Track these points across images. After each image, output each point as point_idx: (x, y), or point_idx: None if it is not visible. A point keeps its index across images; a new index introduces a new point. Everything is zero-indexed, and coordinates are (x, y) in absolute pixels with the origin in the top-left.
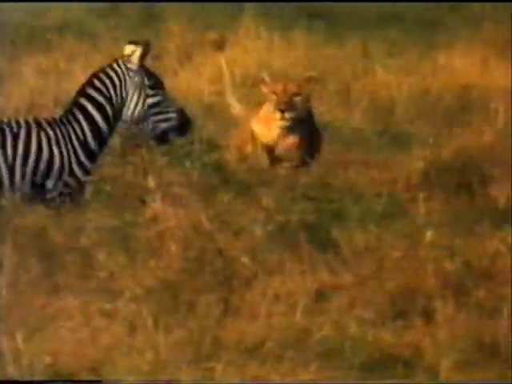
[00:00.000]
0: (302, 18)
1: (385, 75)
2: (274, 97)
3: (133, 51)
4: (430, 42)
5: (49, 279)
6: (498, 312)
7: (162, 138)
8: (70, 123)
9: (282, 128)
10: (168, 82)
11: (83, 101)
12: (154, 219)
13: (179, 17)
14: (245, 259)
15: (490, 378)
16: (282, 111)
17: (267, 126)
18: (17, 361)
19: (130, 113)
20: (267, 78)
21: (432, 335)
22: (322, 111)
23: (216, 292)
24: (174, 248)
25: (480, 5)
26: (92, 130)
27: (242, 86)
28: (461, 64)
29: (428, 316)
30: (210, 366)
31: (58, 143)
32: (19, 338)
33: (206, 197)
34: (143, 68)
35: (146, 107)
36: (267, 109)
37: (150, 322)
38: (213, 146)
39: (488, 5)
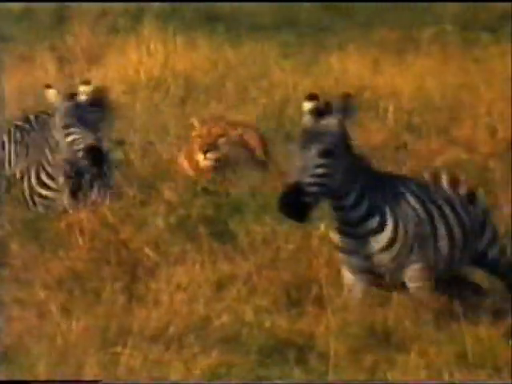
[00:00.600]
0: (203, 22)
1: (280, 76)
2: (198, 139)
3: None
4: (323, 44)
5: None
6: (389, 300)
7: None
8: None
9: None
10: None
11: None
12: (64, 212)
13: (86, 18)
14: (148, 250)
15: (380, 363)
16: (205, 152)
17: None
18: None
19: None
20: (195, 123)
21: (324, 322)
22: (221, 109)
23: (121, 281)
24: (81, 240)
25: (372, 8)
26: None
27: (145, 88)
28: (353, 66)
29: (321, 304)
30: (115, 350)
31: None
32: None
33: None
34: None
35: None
36: (194, 149)
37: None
38: (119, 143)
39: (380, 8)
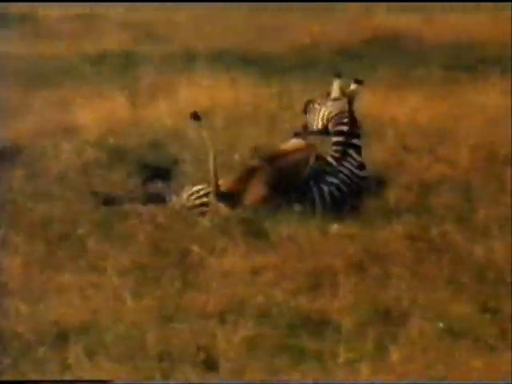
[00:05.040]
0: (241, 64)
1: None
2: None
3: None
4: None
5: None
6: (389, 284)
7: None
8: None
9: None
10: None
11: None
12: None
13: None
14: (196, 247)
15: (383, 335)
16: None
17: None
18: (28, 321)
19: None
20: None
21: (337, 303)
22: (255, 136)
23: (176, 270)
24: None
25: (377, 52)
26: None
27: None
28: (362, 99)
29: (334, 288)
30: (172, 325)
31: None
32: (30, 305)
33: None
34: None
35: None
36: None
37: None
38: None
39: (382, 53)
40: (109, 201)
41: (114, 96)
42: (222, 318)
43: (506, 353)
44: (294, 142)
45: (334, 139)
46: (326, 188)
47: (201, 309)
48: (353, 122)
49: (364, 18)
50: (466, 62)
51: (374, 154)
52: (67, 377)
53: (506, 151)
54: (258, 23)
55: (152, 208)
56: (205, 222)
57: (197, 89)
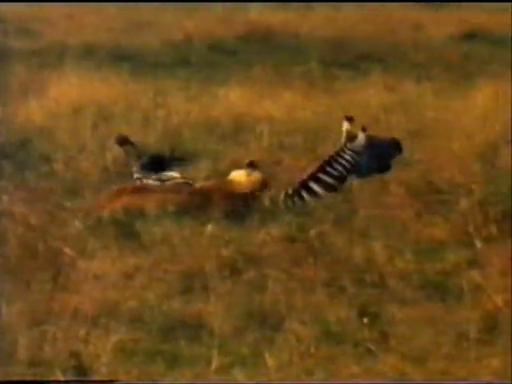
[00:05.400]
0: (113, 60)
1: (176, 105)
2: None
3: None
4: (211, 79)
5: None
6: (265, 287)
7: None
8: None
9: None
10: None
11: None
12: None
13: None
14: (67, 249)
15: (259, 340)
16: None
17: None
18: None
19: None
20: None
21: (211, 306)
22: (129, 133)
23: (47, 272)
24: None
25: (252, 49)
26: None
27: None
28: (235, 97)
29: (207, 291)
30: (43, 328)
31: None
32: None
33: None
34: None
35: None
36: None
37: None
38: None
39: (258, 48)
40: None
41: None
42: (94, 322)
43: (386, 357)
44: (247, 175)
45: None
46: None
47: (73, 313)
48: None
49: (239, 13)
50: (346, 59)
51: (250, 152)
52: None
53: None
54: (131, 18)
55: (23, 208)
56: (77, 223)
57: (68, 85)
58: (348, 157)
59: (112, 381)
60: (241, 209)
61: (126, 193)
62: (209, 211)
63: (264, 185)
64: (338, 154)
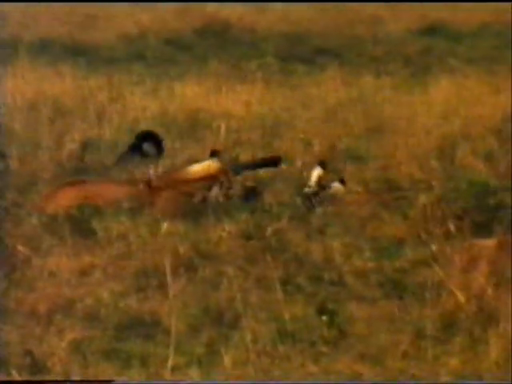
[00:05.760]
0: (65, 55)
1: (132, 100)
2: None
3: None
4: (166, 74)
5: None
6: (221, 285)
7: None
8: None
9: None
10: None
11: None
12: None
13: None
14: (22, 246)
15: (215, 339)
16: None
17: None
18: None
19: None
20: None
21: (167, 304)
22: (85, 128)
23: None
24: None
25: (208, 43)
26: None
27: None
28: (191, 92)
29: (164, 289)
30: None
31: None
32: None
33: None
34: None
35: None
36: None
37: None
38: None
39: (214, 43)
40: None
41: None
42: (49, 319)
43: (343, 357)
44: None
45: None
46: None
47: (28, 310)
48: None
49: (195, 7)
50: (303, 54)
51: (207, 148)
52: None
53: (345, 145)
54: (84, 12)
55: None
56: (32, 220)
57: (23, 81)
58: None
59: (110, 380)
60: (194, 202)
61: (78, 185)
62: (160, 206)
63: (223, 173)
64: None
